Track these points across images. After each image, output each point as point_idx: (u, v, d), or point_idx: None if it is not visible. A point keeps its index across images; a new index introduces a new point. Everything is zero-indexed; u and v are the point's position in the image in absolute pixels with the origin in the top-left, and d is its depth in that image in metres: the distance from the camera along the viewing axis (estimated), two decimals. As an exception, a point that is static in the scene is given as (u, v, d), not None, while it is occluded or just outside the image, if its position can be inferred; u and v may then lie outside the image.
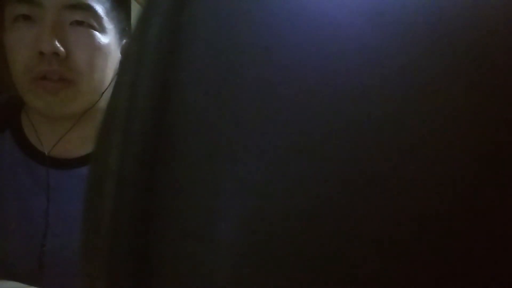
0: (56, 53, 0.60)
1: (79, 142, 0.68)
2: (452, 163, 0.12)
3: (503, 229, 0.12)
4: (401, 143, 0.13)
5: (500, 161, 0.12)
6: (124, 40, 0.70)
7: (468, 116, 0.13)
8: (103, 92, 0.67)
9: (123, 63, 0.18)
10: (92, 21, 0.63)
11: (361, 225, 0.13)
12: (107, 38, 0.65)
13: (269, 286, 0.13)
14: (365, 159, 0.13)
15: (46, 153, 0.67)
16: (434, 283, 0.12)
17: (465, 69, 0.13)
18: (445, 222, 0.12)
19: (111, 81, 0.68)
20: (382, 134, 0.13)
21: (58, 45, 0.60)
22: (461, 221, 0.12)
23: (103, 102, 0.67)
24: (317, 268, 0.13)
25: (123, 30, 0.69)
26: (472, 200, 0.12)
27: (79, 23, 0.62)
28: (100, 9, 0.63)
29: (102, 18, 0.64)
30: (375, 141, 0.13)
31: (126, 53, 0.18)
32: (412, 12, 0.13)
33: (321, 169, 0.13)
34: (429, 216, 0.12)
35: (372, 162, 0.13)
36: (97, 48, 0.63)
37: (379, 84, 0.13)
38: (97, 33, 0.63)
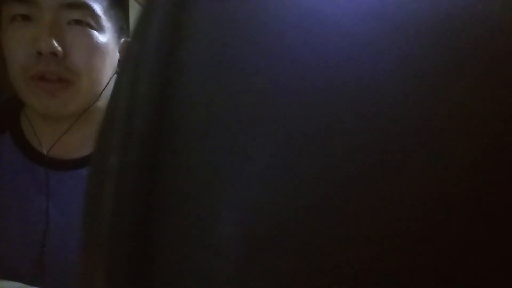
0: (53, 53, 0.60)
1: (79, 143, 0.68)
2: (452, 162, 0.12)
3: (503, 229, 0.12)
4: (401, 142, 0.13)
5: (502, 160, 0.12)
6: (123, 39, 0.70)
7: (469, 115, 0.13)
8: (101, 92, 0.67)
9: (123, 63, 0.17)
10: (90, 20, 0.62)
11: (364, 226, 0.13)
12: (105, 37, 0.65)
13: (270, 286, 0.13)
14: (366, 158, 0.13)
15: (45, 153, 0.67)
16: (436, 282, 0.12)
17: (466, 68, 0.13)
18: (448, 221, 0.12)
19: (109, 80, 0.67)
20: (382, 133, 0.13)
21: (56, 44, 0.60)
22: (462, 222, 0.12)
23: (102, 102, 0.67)
24: (319, 270, 0.13)
25: (121, 28, 0.69)
26: (474, 200, 0.12)
27: (77, 22, 0.62)
28: (97, 7, 0.63)
29: (100, 17, 0.64)
30: (375, 139, 0.13)
31: (126, 53, 0.18)
32: (412, 11, 0.13)
33: (321, 170, 0.13)
34: (431, 214, 0.12)
35: (373, 160, 0.13)
36: (95, 47, 0.63)
37: (380, 83, 0.13)
38: (95, 32, 0.63)
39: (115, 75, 0.69)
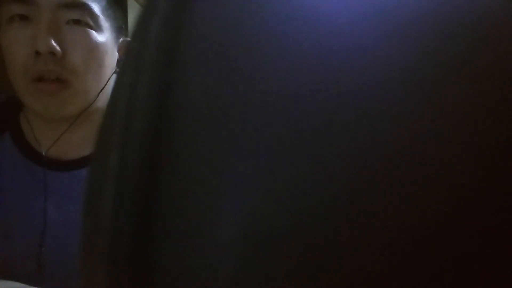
0: (52, 53, 0.60)
1: (78, 144, 0.68)
2: (452, 162, 0.12)
3: (503, 230, 0.12)
4: (400, 142, 0.13)
5: (501, 161, 0.12)
6: (121, 38, 0.70)
7: (469, 115, 0.13)
8: (100, 91, 0.67)
9: (123, 62, 0.17)
10: (88, 20, 0.62)
11: (362, 224, 0.13)
12: (104, 36, 0.65)
13: (270, 286, 0.13)
14: (365, 158, 0.13)
15: (43, 154, 0.67)
16: (434, 283, 0.12)
17: (466, 68, 0.13)
18: (445, 221, 0.12)
19: (108, 80, 0.67)
20: (381, 133, 0.13)
21: (54, 44, 0.60)
22: (460, 222, 0.12)
23: (102, 102, 0.67)
24: (318, 268, 0.13)
25: (120, 28, 0.69)
26: (473, 201, 0.12)
27: (75, 22, 0.62)
28: (96, 7, 0.63)
29: (98, 16, 0.64)
30: (374, 140, 0.13)
31: (126, 52, 0.18)
32: (412, 10, 0.13)
33: (321, 168, 0.13)
34: (427, 215, 0.12)
35: (371, 160, 0.13)
36: (94, 47, 0.63)
37: (379, 83, 0.13)
38: (93, 32, 0.63)
39: (114, 75, 0.69)
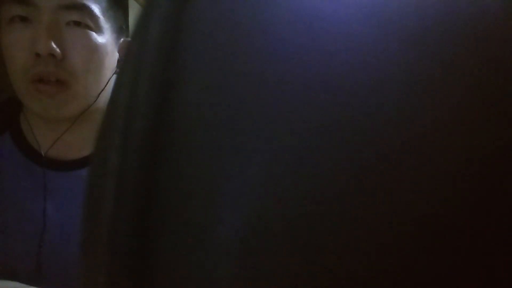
0: (52, 54, 0.60)
1: (78, 144, 0.68)
2: (452, 162, 0.12)
3: (503, 230, 0.12)
4: (400, 142, 0.13)
5: (501, 161, 0.12)
6: (122, 39, 0.70)
7: (468, 115, 0.13)
8: (100, 93, 0.67)
9: (123, 63, 0.18)
10: (88, 21, 0.63)
11: (362, 226, 0.13)
12: (104, 38, 0.65)
13: (269, 287, 0.13)
14: (365, 159, 0.13)
15: (42, 154, 0.67)
16: (435, 284, 0.12)
17: (466, 67, 0.13)
18: (446, 222, 0.12)
19: (108, 81, 0.68)
20: (381, 134, 0.13)
21: (54, 46, 0.60)
22: (461, 222, 0.12)
23: (102, 103, 0.67)
24: (318, 270, 0.13)
25: (120, 28, 0.69)
26: (474, 200, 0.12)
27: (76, 23, 0.62)
28: (96, 8, 0.63)
29: (99, 17, 0.64)
30: (374, 140, 0.13)
31: (126, 53, 0.18)
32: (411, 10, 0.13)
33: (322, 170, 0.13)
34: (429, 216, 0.12)
35: (371, 161, 0.13)
36: (94, 48, 0.63)
37: (379, 83, 0.13)
38: (93, 33, 0.63)
39: (114, 76, 0.69)
